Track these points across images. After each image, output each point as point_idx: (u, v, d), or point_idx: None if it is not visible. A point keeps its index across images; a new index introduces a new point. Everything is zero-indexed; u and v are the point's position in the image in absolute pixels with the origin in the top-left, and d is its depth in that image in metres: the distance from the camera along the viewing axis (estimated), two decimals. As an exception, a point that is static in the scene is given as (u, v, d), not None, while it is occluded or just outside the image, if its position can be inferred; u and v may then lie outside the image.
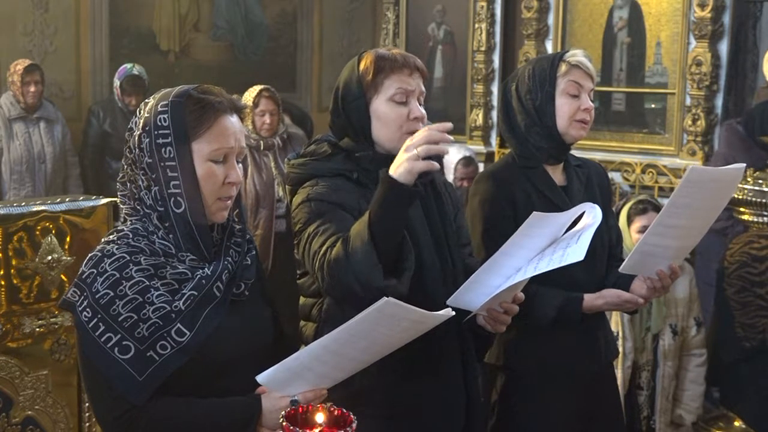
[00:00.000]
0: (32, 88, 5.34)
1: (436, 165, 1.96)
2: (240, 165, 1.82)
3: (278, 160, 4.73)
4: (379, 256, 1.90)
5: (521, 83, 2.59)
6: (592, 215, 2.10)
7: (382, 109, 2.13)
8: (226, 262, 1.78)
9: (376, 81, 2.13)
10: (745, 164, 2.37)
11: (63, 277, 2.53)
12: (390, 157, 2.09)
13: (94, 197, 2.66)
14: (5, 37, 5.75)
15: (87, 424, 2.63)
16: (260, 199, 4.74)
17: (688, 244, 2.46)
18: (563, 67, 2.54)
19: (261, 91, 4.87)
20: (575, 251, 2.00)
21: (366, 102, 2.14)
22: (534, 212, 2.02)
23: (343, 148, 2.18)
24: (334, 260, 1.94)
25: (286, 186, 2.25)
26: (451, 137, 1.96)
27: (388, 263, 1.93)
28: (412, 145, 1.92)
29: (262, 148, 4.82)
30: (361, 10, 7.68)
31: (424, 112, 2.15)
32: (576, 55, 2.57)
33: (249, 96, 4.87)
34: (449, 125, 1.97)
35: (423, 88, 2.17)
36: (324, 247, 1.99)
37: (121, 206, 1.82)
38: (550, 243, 2.09)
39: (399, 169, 1.91)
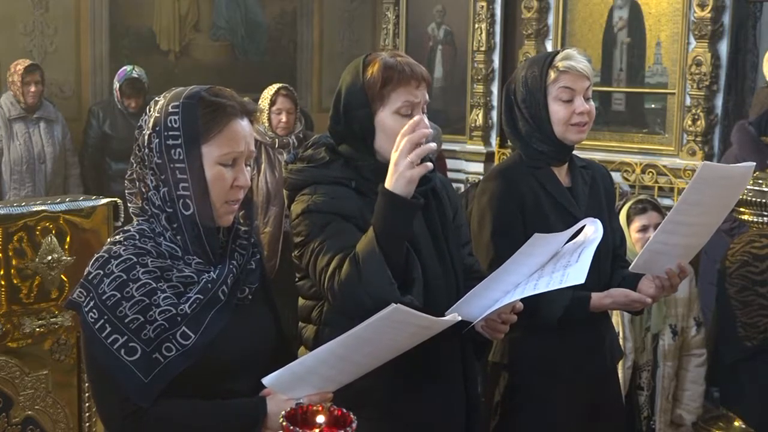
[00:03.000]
0: (32, 88, 5.34)
1: (430, 165, 1.96)
2: (248, 168, 1.82)
3: None
4: (392, 273, 1.90)
5: (517, 90, 2.58)
6: (593, 229, 2.10)
7: (387, 121, 2.10)
8: (231, 266, 1.78)
9: (382, 93, 2.09)
10: (754, 162, 2.38)
11: (63, 277, 2.53)
12: None
13: (94, 197, 2.66)
14: (5, 37, 5.75)
15: (87, 424, 2.64)
16: (271, 197, 4.75)
17: (697, 242, 2.46)
18: (552, 75, 2.52)
19: (279, 89, 4.88)
20: (576, 272, 1.99)
21: (371, 113, 2.11)
22: (535, 234, 2.02)
23: (341, 154, 2.16)
24: (346, 281, 1.94)
25: (284, 191, 2.23)
26: (430, 129, 1.95)
27: (398, 276, 1.93)
28: (400, 155, 1.91)
29: (276, 146, 4.82)
30: (361, 10, 7.67)
31: (427, 121, 2.13)
32: (566, 57, 2.53)
33: (267, 94, 4.87)
34: (419, 118, 1.96)
35: (427, 97, 2.16)
36: (331, 267, 1.99)
37: (128, 204, 1.82)
38: (550, 258, 2.09)
39: (398, 182, 1.91)
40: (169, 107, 1.74)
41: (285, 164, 2.24)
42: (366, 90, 2.10)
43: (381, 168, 2.11)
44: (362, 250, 1.94)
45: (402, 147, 1.92)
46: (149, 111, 1.77)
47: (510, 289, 2.05)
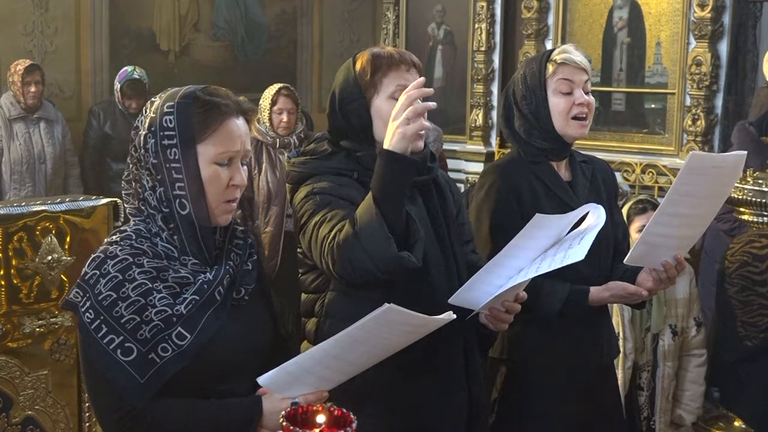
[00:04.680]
0: (32, 89, 5.34)
1: (428, 124, 1.97)
2: (245, 167, 1.82)
3: None
4: (389, 229, 1.90)
5: (516, 89, 2.59)
6: (596, 216, 2.10)
7: (383, 107, 2.13)
8: (227, 267, 1.78)
9: (374, 80, 2.13)
10: (746, 152, 2.37)
11: (63, 277, 2.53)
12: None
13: (94, 197, 2.66)
14: (5, 37, 5.75)
15: (87, 424, 2.63)
16: (272, 196, 4.75)
17: (692, 233, 2.45)
18: (550, 68, 2.54)
19: (280, 89, 4.89)
20: (576, 252, 2.00)
21: (366, 102, 2.14)
22: (537, 214, 2.02)
23: (343, 147, 2.18)
24: (344, 241, 1.94)
25: (287, 184, 2.25)
26: (431, 89, 1.96)
27: (398, 238, 1.93)
28: (398, 112, 1.92)
29: (277, 146, 4.82)
30: (361, 10, 7.68)
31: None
32: (563, 51, 2.55)
33: (268, 93, 4.88)
34: (422, 80, 1.97)
35: None
36: (332, 232, 1.99)
37: (125, 204, 1.82)
38: (553, 243, 2.09)
39: (393, 139, 1.91)
40: (165, 107, 1.74)
41: (288, 159, 2.25)
42: (358, 81, 2.14)
43: None
44: (360, 210, 1.95)
45: (399, 105, 1.93)
46: (145, 112, 1.78)
47: (513, 274, 2.05)
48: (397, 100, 2.11)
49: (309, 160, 2.18)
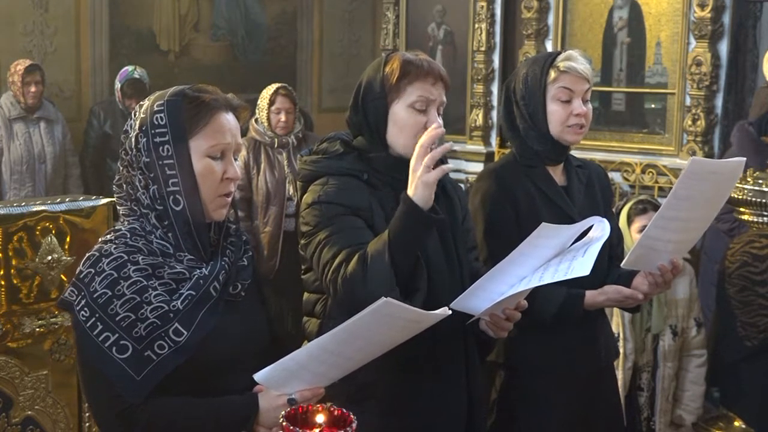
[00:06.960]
0: (33, 89, 5.34)
1: (449, 167, 1.98)
2: (238, 162, 1.83)
3: (291, 159, 4.74)
4: (396, 279, 1.91)
5: (516, 87, 2.59)
6: (600, 228, 2.11)
7: (400, 114, 2.14)
8: (223, 263, 1.79)
9: (399, 85, 2.13)
10: (745, 158, 2.38)
11: (63, 277, 2.53)
12: (403, 161, 2.10)
13: (94, 197, 2.66)
14: (5, 37, 5.75)
15: (87, 424, 2.63)
16: (271, 196, 4.75)
17: (689, 238, 2.45)
18: (552, 74, 2.53)
19: (278, 89, 4.89)
20: (581, 265, 2.00)
21: (386, 104, 2.15)
22: (543, 223, 2.02)
23: (355, 147, 2.19)
24: (350, 278, 1.95)
25: (297, 183, 2.27)
26: (442, 129, 1.99)
27: (402, 283, 1.94)
28: (416, 160, 1.94)
29: (275, 146, 4.82)
30: (361, 10, 7.68)
31: (441, 122, 2.14)
32: (567, 58, 2.54)
33: (266, 94, 4.88)
34: (436, 124, 2.00)
35: (444, 99, 2.18)
36: (336, 261, 2.00)
37: (119, 208, 1.83)
38: (556, 254, 2.09)
39: (417, 190, 1.93)
40: (155, 106, 1.77)
41: (300, 156, 2.27)
42: (384, 82, 2.15)
43: (393, 161, 2.14)
44: (373, 251, 1.96)
45: (416, 153, 1.95)
46: (135, 115, 1.80)
47: (515, 281, 2.05)
48: (416, 110, 2.13)
49: (320, 159, 2.19)
